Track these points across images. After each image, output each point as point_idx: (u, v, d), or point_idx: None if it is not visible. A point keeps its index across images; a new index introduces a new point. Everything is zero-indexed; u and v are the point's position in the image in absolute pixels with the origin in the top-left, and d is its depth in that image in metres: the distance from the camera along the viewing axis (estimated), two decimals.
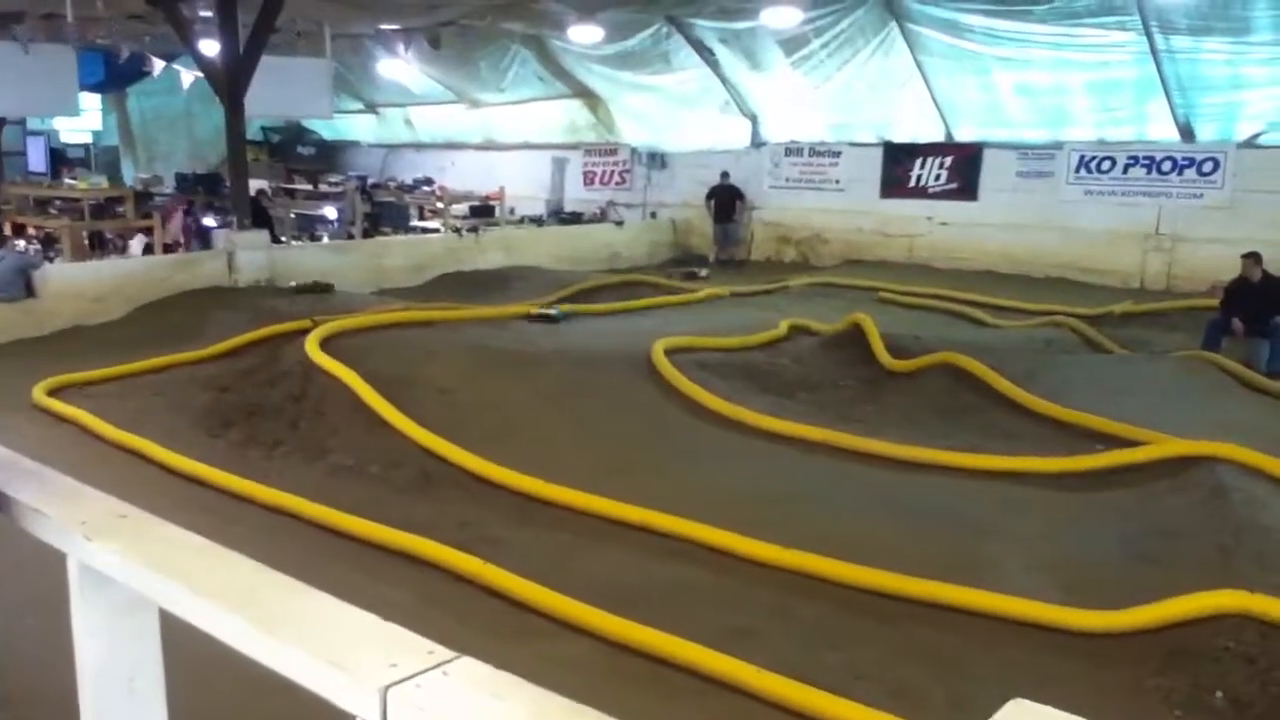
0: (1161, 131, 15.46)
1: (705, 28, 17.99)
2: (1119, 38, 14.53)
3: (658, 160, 21.29)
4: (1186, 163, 15.20)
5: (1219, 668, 4.83)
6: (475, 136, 24.85)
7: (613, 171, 22.01)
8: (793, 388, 10.09)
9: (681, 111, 20.47)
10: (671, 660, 5.03)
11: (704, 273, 17.60)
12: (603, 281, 15.82)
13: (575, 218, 20.89)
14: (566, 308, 12.70)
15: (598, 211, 21.24)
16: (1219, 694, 4.69)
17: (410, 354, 9.83)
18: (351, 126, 27.35)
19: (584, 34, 17.52)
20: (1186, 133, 15.26)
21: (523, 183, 22.23)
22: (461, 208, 19.73)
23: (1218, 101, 14.87)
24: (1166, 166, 15.38)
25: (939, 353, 9.96)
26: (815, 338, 11.53)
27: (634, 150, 21.63)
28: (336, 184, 21.78)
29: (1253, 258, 11.59)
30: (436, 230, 18.57)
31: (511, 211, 20.72)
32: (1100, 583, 5.76)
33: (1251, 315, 11.19)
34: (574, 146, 22.76)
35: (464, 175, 23.33)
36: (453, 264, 16.74)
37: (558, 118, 22.80)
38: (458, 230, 17.94)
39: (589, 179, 22.46)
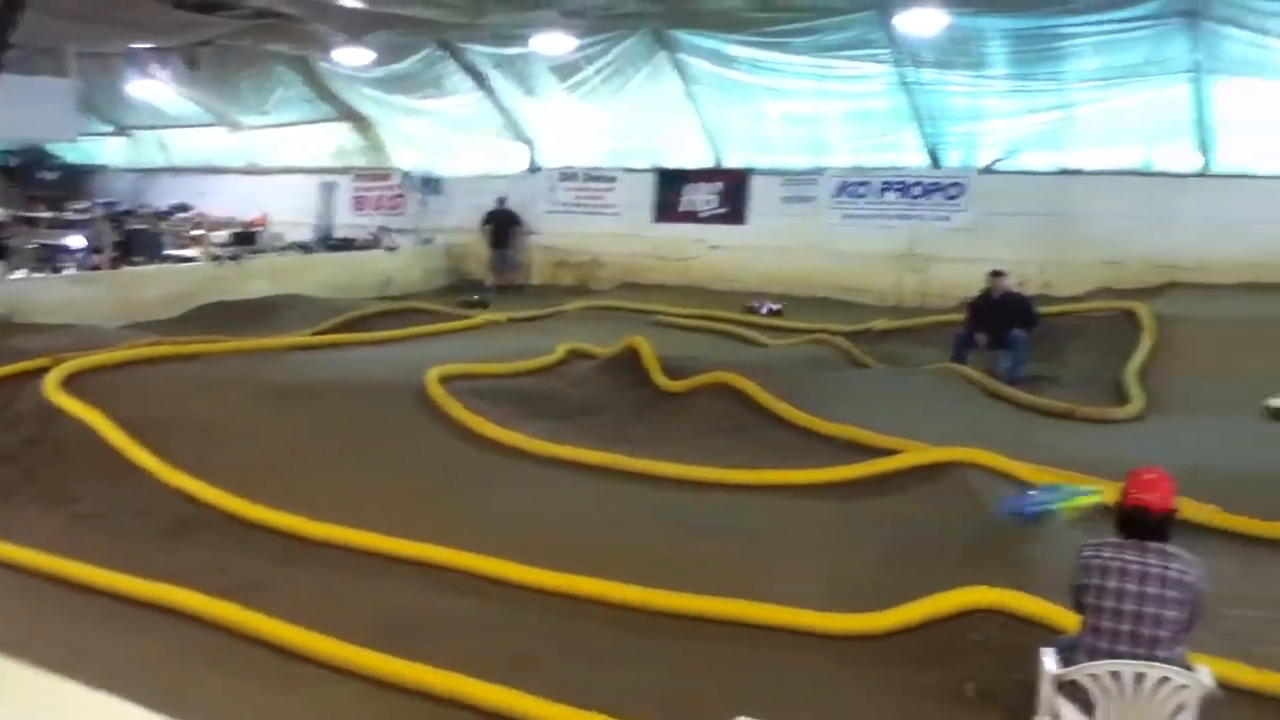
0: (912, 158, 16.46)
1: (478, 52, 17.89)
2: (872, 69, 15.38)
3: (432, 185, 20.93)
4: (934, 187, 16.24)
5: (970, 661, 5.11)
6: (237, 160, 23.73)
7: (385, 196, 21.50)
8: (571, 411, 10.09)
9: (456, 136, 20.25)
10: (448, 697, 4.89)
11: (480, 298, 17.39)
12: (375, 309, 15.36)
13: (346, 244, 20.25)
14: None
15: (369, 237, 20.67)
16: (970, 685, 4.96)
17: (168, 391, 9.24)
18: (100, 150, 25.59)
19: (352, 56, 17.07)
20: (934, 159, 16.31)
21: (289, 208, 21.41)
22: (222, 235, 18.78)
23: (961, 130, 15.95)
24: (917, 191, 16.38)
25: (712, 373, 10.17)
26: (592, 361, 11.57)
27: (407, 175, 21.21)
28: (82, 211, 20.29)
29: (998, 274, 12.43)
30: (195, 259, 17.56)
31: (278, 238, 19.88)
32: (866, 587, 6.00)
33: (993, 329, 12.01)
34: (343, 171, 22.11)
35: (225, 201, 22.23)
36: (214, 294, 15.86)
37: (326, 141, 22.11)
38: (218, 258, 17.04)
39: (360, 204, 21.85)
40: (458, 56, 18.13)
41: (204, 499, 7.34)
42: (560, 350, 11.60)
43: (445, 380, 9.89)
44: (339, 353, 12.06)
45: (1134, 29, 13.37)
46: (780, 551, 6.67)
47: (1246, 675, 4.83)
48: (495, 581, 6.19)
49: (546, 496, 7.83)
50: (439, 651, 5.18)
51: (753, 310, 15.53)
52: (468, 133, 20.07)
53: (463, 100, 19.22)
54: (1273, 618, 5.77)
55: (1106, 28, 13.48)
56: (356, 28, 15.65)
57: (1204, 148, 14.31)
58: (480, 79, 18.58)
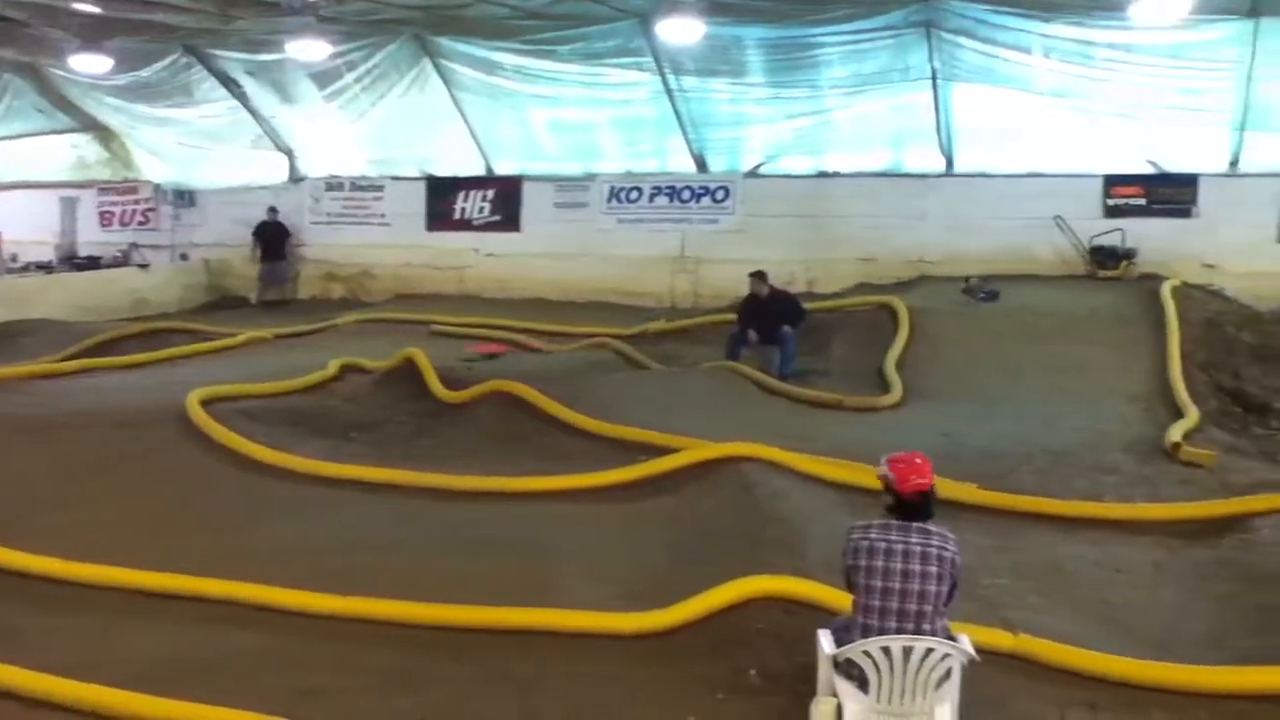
0: (680, 163, 16.84)
1: (229, 59, 17.05)
2: (637, 77, 15.66)
3: (186, 198, 19.80)
4: (703, 191, 16.68)
5: (753, 648, 5.26)
6: None
7: (134, 211, 20.15)
8: (347, 429, 9.81)
9: (210, 146, 19.24)
10: None
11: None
12: (127, 331, 14.38)
13: (93, 262, 18.89)
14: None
15: (119, 255, 19.33)
16: (754, 672, 5.10)
17: None
18: None
19: (89, 64, 15.85)
20: (701, 164, 16.75)
21: (25, 226, 19.64)
22: None
23: (725, 136, 16.45)
24: (686, 195, 16.78)
25: (492, 381, 10.08)
26: (368, 376, 11.26)
27: (158, 187, 19.98)
28: None
29: (758, 276, 12.87)
30: None
31: (14, 259, 18.34)
32: (653, 585, 6.05)
33: (762, 326, 12.43)
34: (87, 185, 20.61)
35: None
36: None
37: (64, 153, 20.58)
38: None
39: (107, 219, 20.40)
40: (207, 63, 17.25)
41: None
42: (333, 366, 11.23)
43: (209, 403, 9.39)
44: (89, 379, 11.26)
45: (877, 39, 14.22)
46: (567, 557, 6.67)
47: (1003, 640, 5.17)
48: (276, 611, 5.90)
49: (326, 519, 7.55)
50: (219, 690, 4.90)
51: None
52: (222, 143, 19.12)
53: (215, 109, 18.31)
54: (1024, 585, 6.23)
55: (852, 38, 14.28)
56: (92, 33, 14.59)
57: (947, 150, 15.32)
58: (233, 86, 17.72)
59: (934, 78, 14.45)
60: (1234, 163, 14.20)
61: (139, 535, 7.02)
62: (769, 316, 12.43)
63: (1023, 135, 14.76)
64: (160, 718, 4.78)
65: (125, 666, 5.19)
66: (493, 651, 5.45)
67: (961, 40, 13.85)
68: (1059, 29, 13.26)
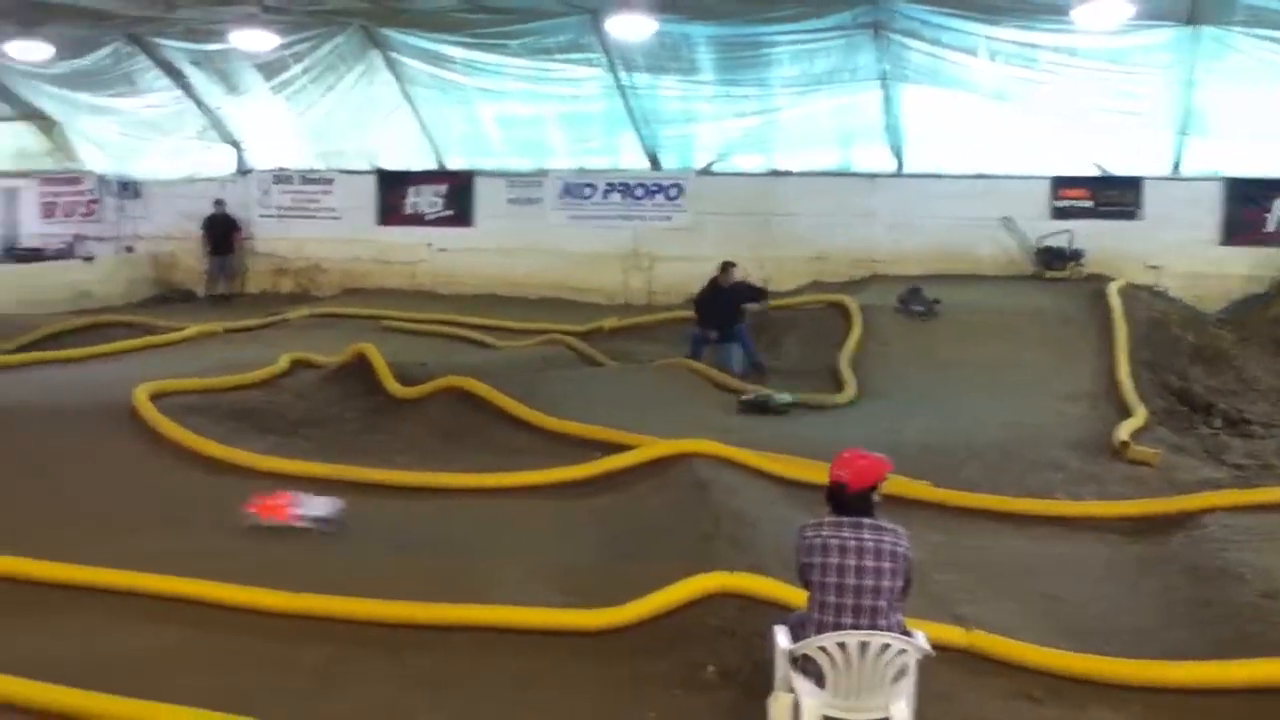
0: (632, 160, 16.85)
1: (173, 48, 16.70)
2: (587, 73, 15.62)
3: (130, 189, 19.42)
4: (656, 188, 16.70)
5: (709, 645, 5.27)
6: None
7: (77, 202, 19.74)
8: (296, 425, 9.69)
9: (153, 137, 18.89)
10: None
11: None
12: (70, 325, 14.09)
13: (34, 254, 18.47)
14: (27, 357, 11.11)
15: (62, 247, 18.92)
16: (711, 668, 5.12)
17: None
18: None
19: (27, 50, 15.50)
20: (654, 161, 16.76)
21: None
22: None
23: (676, 133, 16.48)
24: (639, 192, 16.79)
25: (444, 377, 10.02)
26: (318, 371, 11.12)
27: (102, 178, 19.58)
28: None
29: (729, 265, 12.87)
30: None
31: None
32: (599, 584, 6.03)
33: (722, 320, 12.46)
34: (26, 174, 20.11)
35: None
36: None
37: (4, 142, 20.03)
38: None
39: (48, 211, 19.91)
40: (150, 52, 16.89)
41: None
42: (283, 361, 11.07)
43: (156, 397, 9.23)
44: (30, 374, 11.01)
45: (827, 39, 14.33)
46: (510, 554, 6.64)
47: (956, 636, 5.24)
48: (208, 607, 5.78)
49: None
50: (136, 688, 4.75)
51: None
52: (166, 133, 18.79)
53: (159, 98, 17.96)
54: (975, 580, 6.32)
55: (801, 37, 14.36)
56: (28, 19, 14.23)
57: (896, 150, 15.48)
58: (177, 76, 17.40)
59: (883, 78, 14.59)
60: (1176, 166, 14.53)
61: (76, 528, 6.92)
62: (727, 305, 12.46)
63: (971, 137, 14.98)
64: (81, 711, 4.67)
65: (50, 663, 5.03)
66: (427, 650, 5.39)
67: (909, 42, 14.00)
68: (1004, 31, 13.45)
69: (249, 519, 7.07)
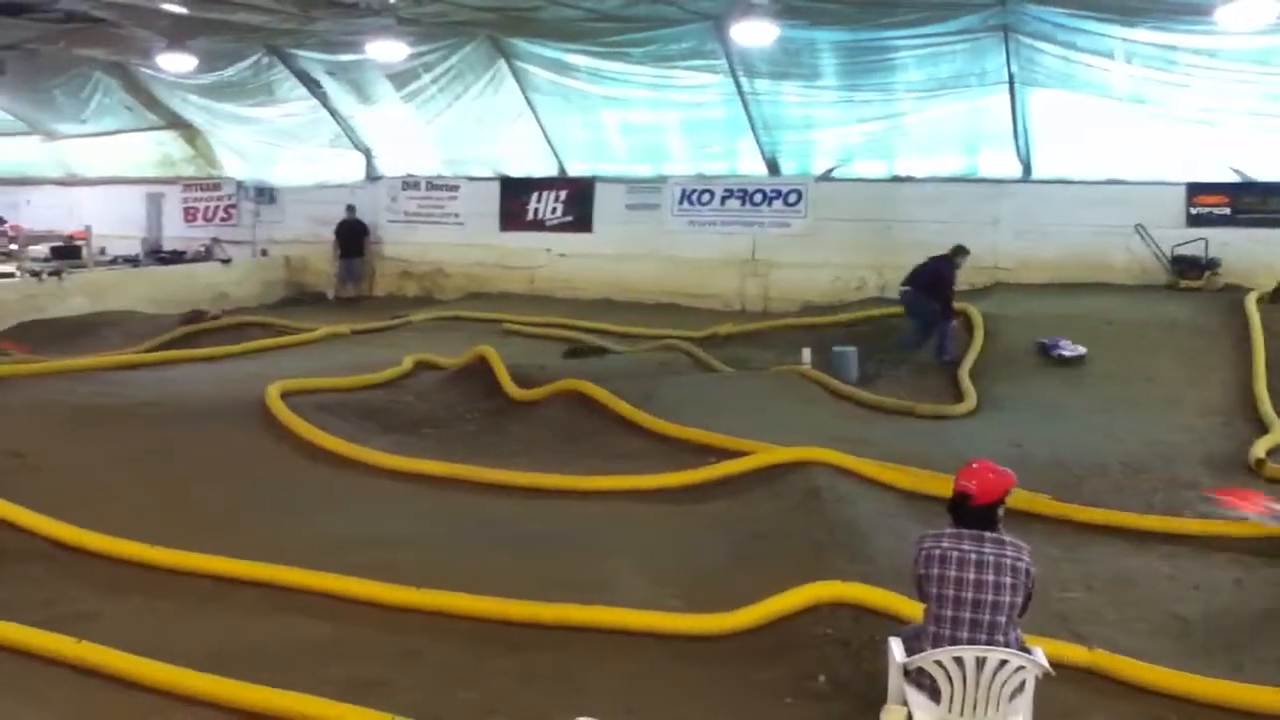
0: (751, 166, 16.80)
1: (310, 59, 17.40)
2: (708, 79, 15.64)
3: (266, 195, 20.30)
4: (774, 194, 16.63)
5: (820, 654, 5.23)
6: (53, 171, 22.54)
7: (217, 207, 20.69)
8: (417, 424, 9.93)
9: (289, 144, 19.65)
10: (294, 719, 4.71)
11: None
12: (206, 325, 14.76)
13: (176, 257, 19.41)
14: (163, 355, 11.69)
15: (202, 250, 19.86)
16: (821, 678, 5.07)
17: None
18: None
19: (175, 63, 16.28)
20: (773, 167, 16.69)
21: (113, 221, 20.35)
22: (41, 249, 17.73)
23: (796, 139, 16.36)
24: (758, 198, 16.75)
25: (562, 380, 10.15)
26: (440, 372, 11.40)
27: (240, 185, 20.48)
28: None
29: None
30: (10, 275, 16.54)
31: (102, 252, 18.92)
32: (714, 588, 6.05)
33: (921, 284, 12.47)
34: (171, 181, 21.19)
35: (42, 214, 21.09)
36: (31, 312, 15.01)
37: (150, 150, 21.18)
38: (36, 274, 16.06)
39: (190, 215, 20.99)
40: (289, 63, 17.61)
41: (24, 526, 6.89)
42: (407, 362, 11.39)
43: (286, 395, 9.59)
44: (170, 371, 11.54)
45: (953, 43, 14.02)
46: (626, 557, 6.69)
47: (1078, 654, 5.09)
48: (340, 600, 5.99)
49: (392, 512, 7.68)
50: (278, 677, 4.97)
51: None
52: (300, 141, 19.53)
53: (295, 108, 18.69)
54: (1098, 599, 6.13)
55: (927, 41, 14.09)
56: (178, 33, 14.98)
57: (1024, 155, 15.09)
58: (313, 86, 18.07)
59: (1011, 82, 14.24)
60: None
61: (210, 521, 7.19)
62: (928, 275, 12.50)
63: (1102, 141, 14.48)
64: (236, 701, 4.87)
65: (195, 650, 5.30)
66: (548, 649, 5.48)
67: (1040, 45, 13.61)
68: (1141, 33, 12.95)
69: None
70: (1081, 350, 11.74)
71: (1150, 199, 14.42)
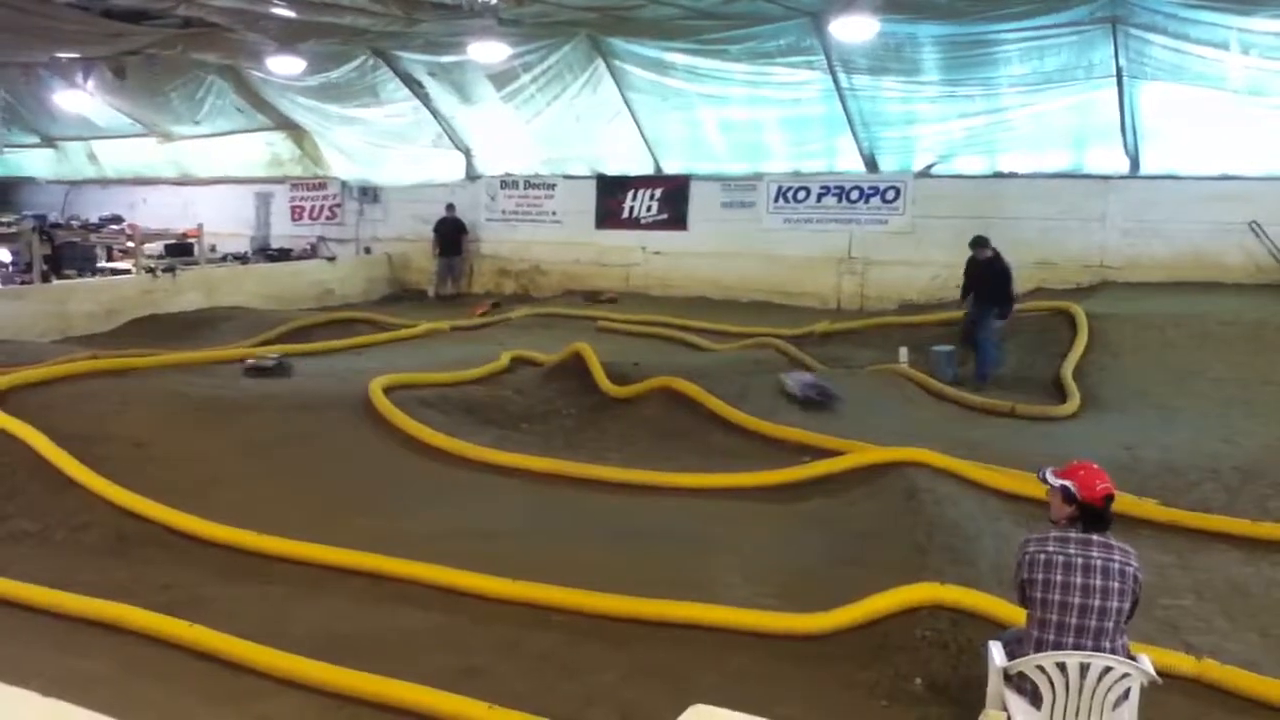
0: (849, 163, 16.61)
1: (413, 60, 17.76)
2: (807, 76, 15.52)
3: (370, 194, 20.79)
4: (872, 191, 16.43)
5: (918, 656, 5.18)
6: (169, 171, 23.36)
7: (323, 206, 21.27)
8: (516, 419, 10.07)
9: (392, 144, 20.07)
10: (398, 706, 4.85)
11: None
12: (314, 320, 15.20)
13: (284, 254, 19.99)
14: (281, 349, 12.07)
15: (308, 247, 20.44)
16: (918, 680, 5.03)
17: (100, 406, 9.05)
18: (26, 162, 25.02)
19: (284, 65, 16.82)
20: (871, 164, 16.47)
21: (224, 219, 21.08)
22: (156, 247, 18.43)
23: (896, 136, 16.13)
24: (855, 195, 16.56)
25: (657, 378, 10.21)
26: (537, 368, 11.55)
27: (345, 184, 21.01)
28: (9, 224, 19.76)
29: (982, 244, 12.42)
30: (128, 272, 17.24)
31: (213, 249, 19.57)
32: (811, 587, 6.05)
33: (980, 290, 12.15)
34: (279, 180, 21.84)
35: (157, 212, 21.89)
36: (148, 307, 15.62)
37: (260, 151, 21.82)
38: (152, 271, 16.72)
39: (297, 214, 21.60)
40: (392, 65, 17.98)
41: (145, 514, 7.19)
42: (505, 358, 11.57)
43: (389, 390, 9.82)
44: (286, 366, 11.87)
45: (1059, 35, 13.66)
46: (723, 555, 6.71)
47: (1186, 664, 4.96)
48: (443, 591, 6.14)
49: (493, 505, 7.81)
50: (383, 664, 5.12)
51: None
52: (403, 141, 19.90)
53: (398, 109, 19.05)
54: (1207, 607, 5.95)
55: (1033, 34, 13.76)
56: (287, 37, 15.45)
57: (1132, 151, 14.65)
58: (416, 87, 18.44)
59: (1119, 75, 13.83)
60: None
61: (317, 511, 7.39)
62: (987, 278, 12.14)
63: (1215, 135, 13.97)
64: (337, 685, 5.02)
65: (303, 637, 5.48)
66: (649, 643, 5.53)
67: (1150, 36, 13.18)
68: (1259, 23, 12.47)
69: None
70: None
71: (1266, 195, 13.85)
